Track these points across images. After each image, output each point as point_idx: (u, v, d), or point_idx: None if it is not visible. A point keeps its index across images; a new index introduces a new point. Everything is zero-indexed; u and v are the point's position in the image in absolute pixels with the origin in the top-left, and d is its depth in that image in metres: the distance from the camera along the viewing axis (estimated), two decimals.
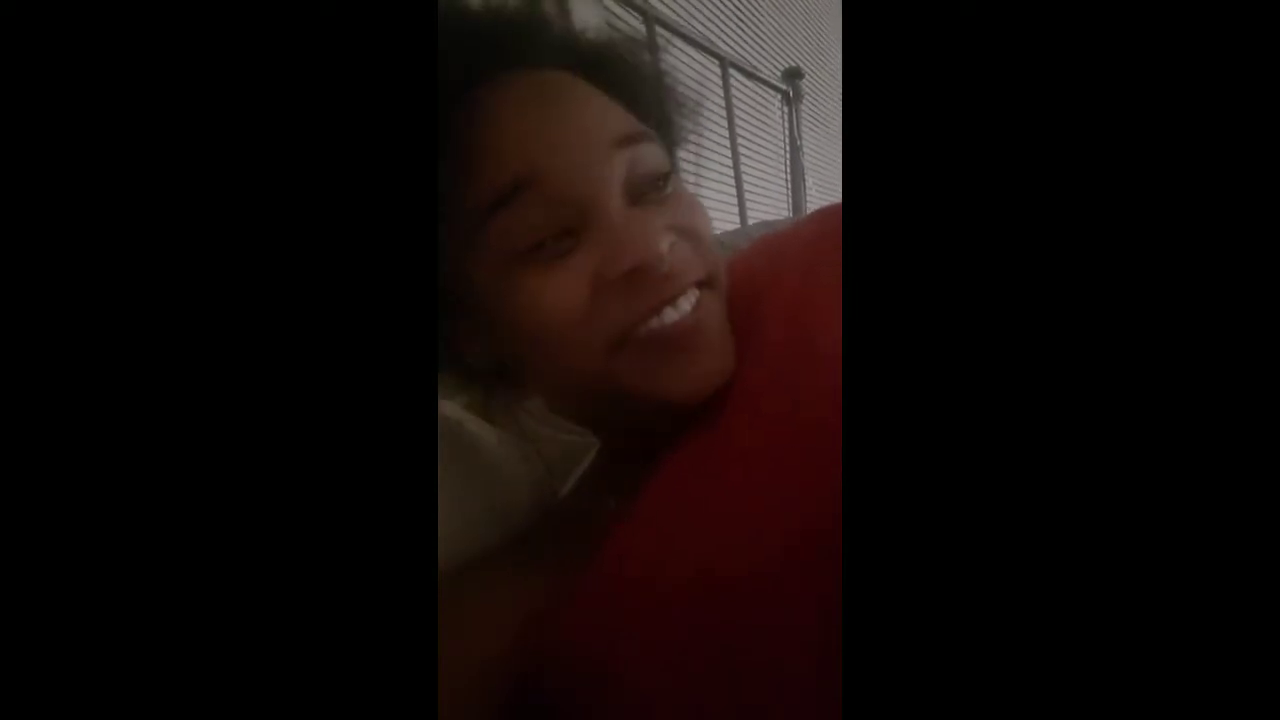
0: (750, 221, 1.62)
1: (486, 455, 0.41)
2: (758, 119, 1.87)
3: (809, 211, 0.46)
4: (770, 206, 1.92)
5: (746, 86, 1.77)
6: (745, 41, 1.77)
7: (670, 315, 0.29)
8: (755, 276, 0.35)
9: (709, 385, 0.30)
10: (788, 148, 2.04)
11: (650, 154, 0.30)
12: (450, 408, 0.43)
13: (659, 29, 1.19)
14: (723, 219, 1.54)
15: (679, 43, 1.31)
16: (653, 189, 0.30)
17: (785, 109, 2.01)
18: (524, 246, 0.28)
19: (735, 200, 1.60)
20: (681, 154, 0.38)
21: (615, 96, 0.32)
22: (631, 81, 0.34)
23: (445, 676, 0.26)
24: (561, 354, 0.30)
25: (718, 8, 1.62)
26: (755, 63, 1.81)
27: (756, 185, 1.82)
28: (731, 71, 1.57)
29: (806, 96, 2.08)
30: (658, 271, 0.28)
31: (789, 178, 2.06)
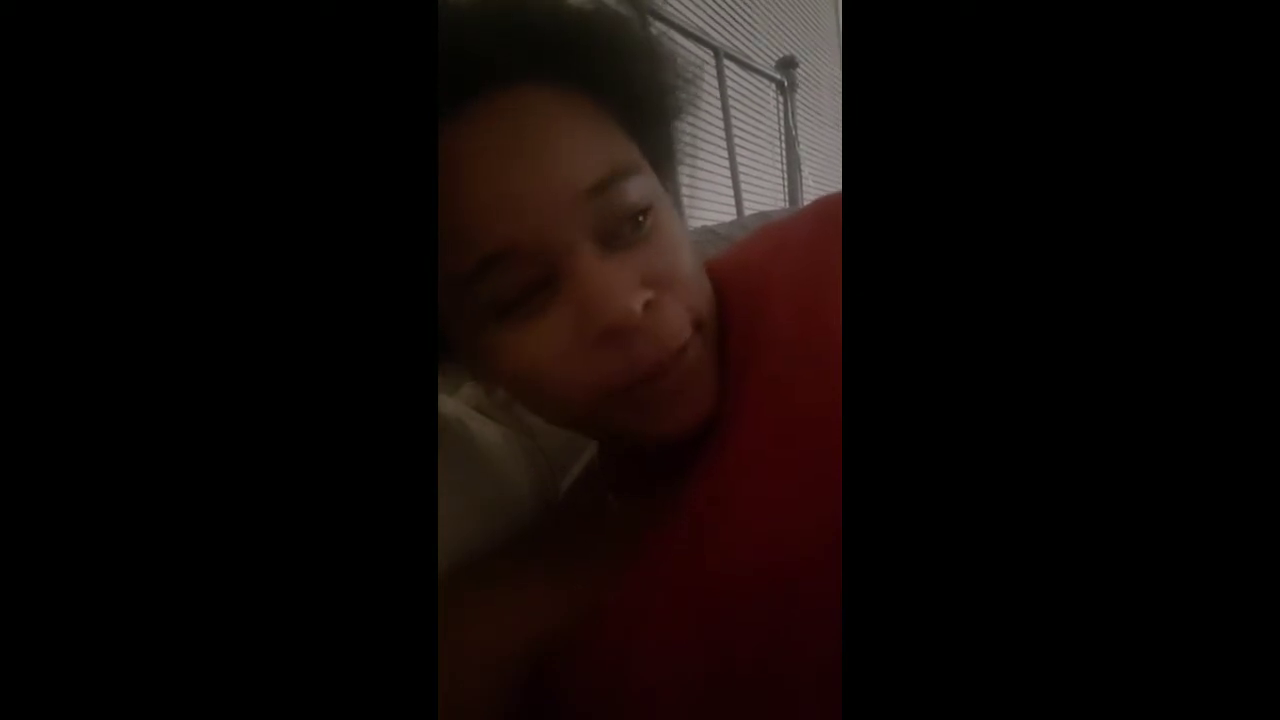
0: (747, 212, 1.62)
1: (488, 452, 0.41)
2: (752, 109, 1.86)
3: (805, 201, 0.46)
4: (766, 197, 1.91)
5: (741, 77, 1.77)
6: (739, 31, 1.76)
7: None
8: (756, 269, 0.35)
9: (693, 424, 0.30)
10: (783, 137, 2.04)
11: (627, 192, 0.29)
12: (452, 405, 0.43)
13: (651, 20, 1.18)
14: (719, 210, 1.54)
15: (672, 33, 1.30)
16: (630, 229, 0.29)
17: (780, 99, 2.01)
18: (501, 305, 0.28)
19: (731, 191, 1.60)
20: (680, 125, 0.37)
21: (606, 77, 0.31)
22: (623, 54, 0.32)
23: (445, 676, 0.26)
24: (544, 403, 0.31)
25: None
26: (749, 52, 1.80)
27: (752, 175, 1.82)
28: (726, 62, 1.56)
29: (801, 86, 2.07)
30: (632, 330, 0.27)
31: (785, 167, 2.06)
